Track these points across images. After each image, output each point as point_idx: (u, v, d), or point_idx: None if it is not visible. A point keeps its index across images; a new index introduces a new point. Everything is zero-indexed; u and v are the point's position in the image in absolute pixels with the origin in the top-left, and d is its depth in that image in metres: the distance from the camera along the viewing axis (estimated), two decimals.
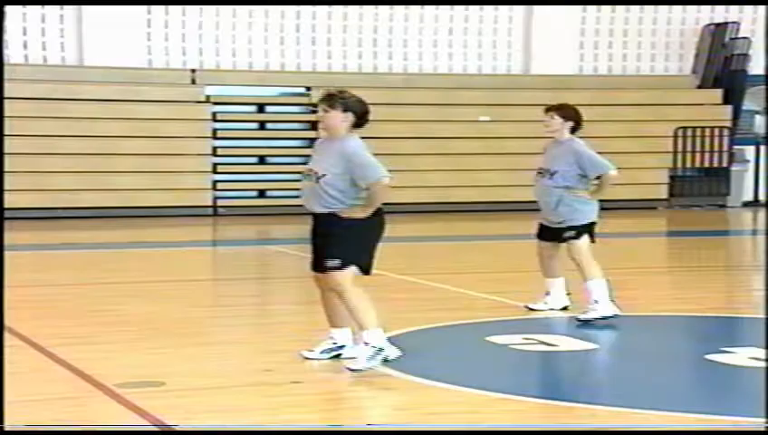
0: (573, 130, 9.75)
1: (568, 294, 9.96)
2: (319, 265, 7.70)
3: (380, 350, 7.45)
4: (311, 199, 7.67)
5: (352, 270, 7.56)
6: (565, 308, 9.90)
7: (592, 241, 9.75)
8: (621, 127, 22.95)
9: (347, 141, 7.67)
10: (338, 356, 7.82)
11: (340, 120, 7.66)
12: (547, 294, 9.98)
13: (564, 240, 9.72)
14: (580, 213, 9.69)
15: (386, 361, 7.45)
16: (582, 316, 9.47)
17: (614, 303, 9.55)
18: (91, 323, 9.45)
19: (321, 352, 7.84)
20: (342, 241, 7.56)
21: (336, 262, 7.53)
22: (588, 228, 9.72)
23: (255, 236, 18.72)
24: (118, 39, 21.04)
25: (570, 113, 9.73)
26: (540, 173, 9.80)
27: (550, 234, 9.85)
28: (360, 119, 7.72)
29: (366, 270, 7.66)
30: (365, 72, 22.61)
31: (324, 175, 7.56)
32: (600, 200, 9.91)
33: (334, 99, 7.69)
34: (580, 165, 9.62)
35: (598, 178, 9.72)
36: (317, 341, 7.92)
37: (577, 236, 9.65)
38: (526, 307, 10.02)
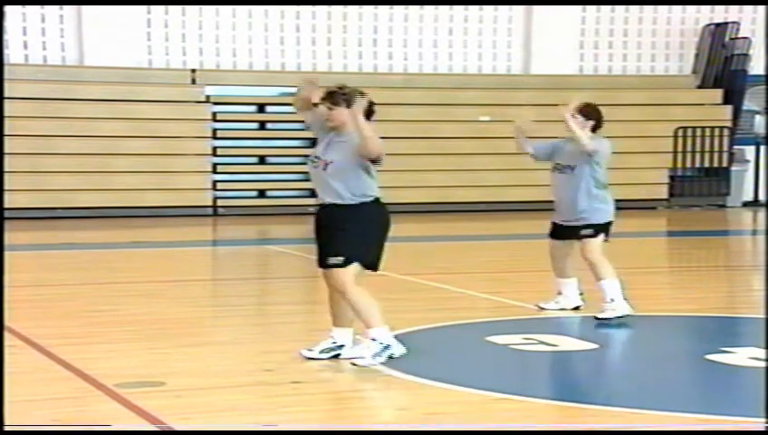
0: (595, 129, 9.74)
1: (581, 293, 9.94)
2: (322, 262, 7.71)
3: (387, 347, 7.51)
4: (320, 188, 7.71)
5: (354, 267, 7.58)
6: (577, 308, 9.90)
7: (606, 240, 9.75)
8: (621, 127, 22.87)
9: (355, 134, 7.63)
10: (337, 356, 7.80)
11: (346, 115, 7.63)
12: (559, 293, 9.97)
13: (580, 238, 9.68)
14: (599, 211, 9.68)
15: (391, 357, 7.48)
16: (601, 315, 9.49)
17: (627, 302, 9.59)
18: (91, 323, 9.45)
19: (321, 352, 7.82)
20: (346, 238, 7.57)
21: (339, 259, 7.55)
22: (605, 227, 9.72)
23: (255, 236, 18.72)
24: (118, 39, 21.04)
25: (591, 111, 9.77)
26: (556, 169, 9.78)
27: (564, 232, 9.82)
28: (365, 112, 7.66)
29: (372, 266, 7.68)
30: (365, 72, 22.59)
31: (332, 162, 7.57)
32: None
33: (336, 95, 7.68)
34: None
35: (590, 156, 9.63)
36: (317, 340, 7.92)
37: (594, 235, 9.64)
38: (537, 306, 10.01)
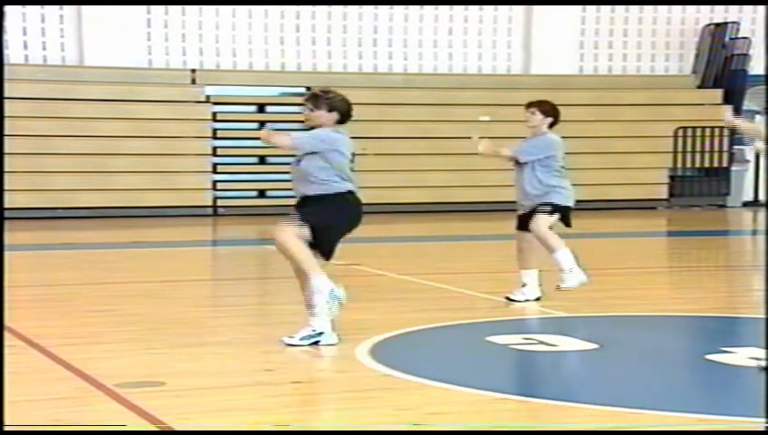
0: (552, 126, 10.33)
1: (539, 285, 10.35)
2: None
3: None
4: (295, 184, 8.36)
5: (303, 229, 8.03)
6: (538, 299, 10.27)
7: (568, 225, 10.32)
8: (621, 127, 22.96)
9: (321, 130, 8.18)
10: (316, 343, 8.14)
11: (325, 119, 8.11)
12: (523, 285, 10.33)
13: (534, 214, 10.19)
14: (558, 193, 10.19)
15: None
16: (564, 284, 10.10)
17: (582, 270, 10.13)
18: (91, 323, 9.45)
19: (301, 339, 8.16)
20: (312, 211, 8.08)
21: (297, 219, 8.07)
22: (562, 210, 10.20)
23: (255, 236, 18.71)
24: (118, 39, 21.05)
25: (548, 109, 10.31)
26: (516, 164, 10.40)
27: (527, 222, 10.26)
28: (344, 116, 8.16)
29: (324, 251, 8.13)
30: (365, 72, 22.60)
31: (302, 159, 8.16)
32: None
33: (319, 99, 8.10)
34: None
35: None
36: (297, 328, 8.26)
37: (550, 212, 10.14)
38: (507, 298, 10.34)
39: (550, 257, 10.22)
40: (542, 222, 10.12)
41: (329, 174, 8.10)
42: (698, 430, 6.12)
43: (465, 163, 22.15)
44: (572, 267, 10.09)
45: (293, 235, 8.03)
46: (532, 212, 10.20)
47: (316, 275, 8.00)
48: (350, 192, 8.18)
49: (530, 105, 10.38)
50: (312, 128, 8.17)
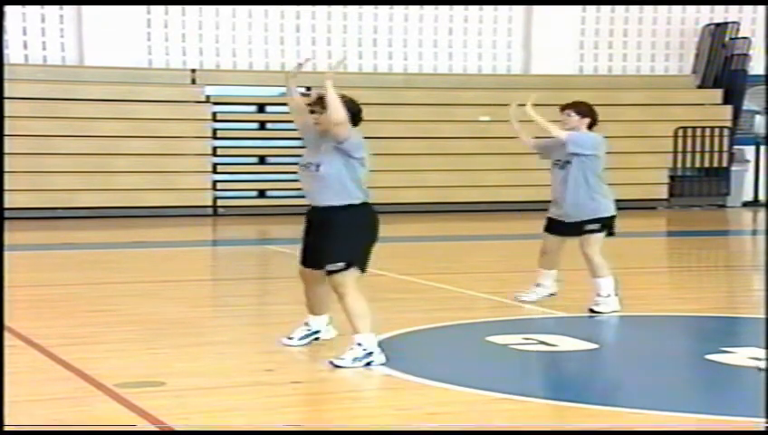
0: (590, 127, 10.01)
1: (617, 294, 9.97)
2: (314, 263, 7.88)
3: (369, 353, 7.57)
4: (313, 191, 7.83)
5: (354, 272, 7.68)
6: (552, 295, 10.14)
7: (612, 234, 9.96)
8: (621, 127, 22.91)
9: None
10: (316, 339, 8.17)
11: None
12: (537, 285, 10.19)
13: (582, 233, 9.84)
14: (602, 205, 9.86)
15: (369, 365, 7.53)
16: (596, 308, 9.77)
17: (617, 298, 9.86)
18: (91, 323, 9.45)
19: (300, 339, 8.17)
20: (342, 242, 7.68)
21: (339, 265, 7.65)
22: (609, 222, 9.91)
23: (255, 236, 18.72)
24: (118, 39, 21.04)
25: (585, 110, 10.00)
26: (555, 165, 9.98)
27: (562, 229, 9.99)
28: (356, 117, 7.85)
29: (363, 269, 7.80)
30: (365, 72, 22.59)
31: (321, 164, 7.72)
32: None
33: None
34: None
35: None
36: (293, 328, 8.26)
37: (599, 229, 9.83)
38: (517, 299, 10.24)
39: (591, 279, 9.87)
40: (595, 246, 9.78)
41: (349, 182, 7.73)
42: (698, 430, 6.12)
43: (465, 163, 22.18)
44: (610, 294, 9.79)
45: (359, 295, 7.66)
46: (576, 225, 9.83)
47: (367, 332, 7.60)
48: (365, 202, 7.83)
49: (565, 107, 10.03)
50: (324, 132, 7.79)
